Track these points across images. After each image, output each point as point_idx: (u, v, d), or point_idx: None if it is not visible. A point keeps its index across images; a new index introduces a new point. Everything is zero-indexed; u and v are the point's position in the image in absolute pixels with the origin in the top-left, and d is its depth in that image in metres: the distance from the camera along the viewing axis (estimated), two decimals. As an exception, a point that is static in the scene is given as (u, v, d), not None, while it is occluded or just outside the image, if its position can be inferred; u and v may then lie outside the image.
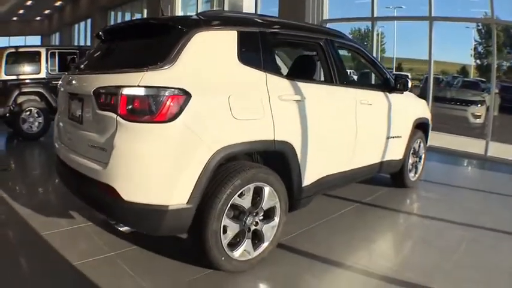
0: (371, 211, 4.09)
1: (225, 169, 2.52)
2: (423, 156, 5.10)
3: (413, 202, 4.70)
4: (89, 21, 22.81)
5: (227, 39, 2.69)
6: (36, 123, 7.18)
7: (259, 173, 2.63)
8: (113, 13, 19.98)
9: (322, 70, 3.56)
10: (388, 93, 4.14)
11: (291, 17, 8.25)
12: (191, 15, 2.86)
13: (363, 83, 7.93)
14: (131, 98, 2.32)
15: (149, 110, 2.30)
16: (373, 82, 8.62)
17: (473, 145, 7.55)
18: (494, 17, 7.26)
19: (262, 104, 2.69)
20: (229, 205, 2.50)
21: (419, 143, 4.94)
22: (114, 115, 2.35)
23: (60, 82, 3.35)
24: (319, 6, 9.22)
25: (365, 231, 3.55)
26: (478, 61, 25.93)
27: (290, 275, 2.72)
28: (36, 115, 7.15)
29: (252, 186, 2.60)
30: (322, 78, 3.79)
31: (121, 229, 2.55)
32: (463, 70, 25.26)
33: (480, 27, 24.91)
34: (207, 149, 2.39)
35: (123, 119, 2.32)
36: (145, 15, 16.46)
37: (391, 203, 4.35)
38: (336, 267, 2.86)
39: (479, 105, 10.80)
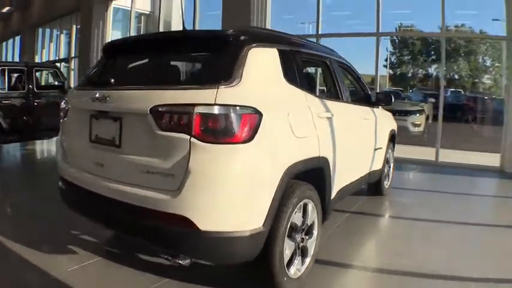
0: (363, 219, 4.37)
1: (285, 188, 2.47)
2: (392, 165, 5.52)
3: (395, 207, 5.07)
4: (17, 38, 21.75)
5: (272, 56, 2.68)
6: (-12, 147, 6.60)
7: (307, 189, 2.68)
8: (41, 30, 19.22)
9: (328, 87, 3.76)
10: (372, 108, 4.46)
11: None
12: (228, 30, 2.66)
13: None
14: (207, 117, 2.17)
15: (226, 130, 2.18)
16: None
17: (425, 152, 8.35)
18: (444, 31, 8.14)
19: (309, 121, 2.77)
20: (289, 224, 2.50)
21: (390, 152, 5.36)
22: (187, 136, 2.17)
23: (68, 99, 3.06)
24: (263, 25, 9.50)
25: (370, 236, 3.88)
26: (391, 71, 28.07)
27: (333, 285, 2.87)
28: (-14, 138, 6.58)
29: (302, 203, 2.64)
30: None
31: (182, 262, 2.32)
32: (373, 81, 27.05)
33: (394, 38, 26.99)
34: (280, 168, 2.38)
35: (199, 140, 2.16)
36: (74, 32, 15.82)
37: (377, 210, 4.72)
38: (364, 271, 3.09)
39: (418, 115, 11.70)
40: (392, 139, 5.35)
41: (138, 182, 2.34)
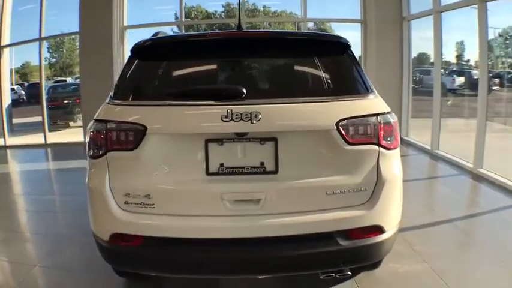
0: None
1: None
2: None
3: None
4: None
5: None
6: None
7: None
8: None
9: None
10: None
11: (96, 25, 7.98)
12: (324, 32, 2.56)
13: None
14: (387, 126, 2.18)
15: (395, 136, 2.23)
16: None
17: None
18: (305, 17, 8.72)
19: None
20: None
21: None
22: (376, 147, 2.16)
23: (136, 121, 2.10)
24: (120, 14, 8.97)
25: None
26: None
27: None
28: None
29: None
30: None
31: (349, 273, 2.31)
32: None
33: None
34: None
35: (384, 148, 2.18)
36: None
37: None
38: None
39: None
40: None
41: (318, 207, 2.14)
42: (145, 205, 2.16)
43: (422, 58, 9.67)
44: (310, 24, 9.44)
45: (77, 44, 9.72)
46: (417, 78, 9.71)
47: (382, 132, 2.16)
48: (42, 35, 8.63)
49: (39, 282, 2.93)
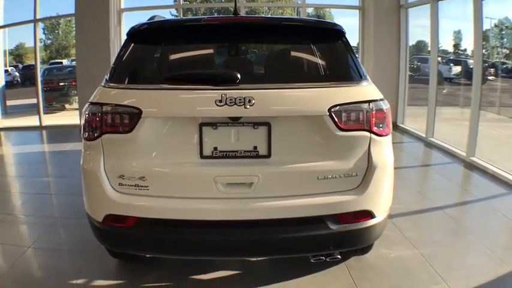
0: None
1: None
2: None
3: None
4: None
5: None
6: None
7: None
8: None
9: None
10: None
11: (92, 7, 7.88)
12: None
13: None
14: (379, 113, 2.20)
15: (385, 123, 2.24)
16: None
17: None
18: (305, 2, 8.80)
19: None
20: None
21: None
22: (367, 133, 2.18)
23: (132, 104, 2.12)
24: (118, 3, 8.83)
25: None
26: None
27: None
28: None
29: None
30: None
31: (339, 256, 2.38)
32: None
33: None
34: None
35: (375, 135, 2.20)
36: None
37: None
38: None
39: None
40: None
41: (310, 191, 2.18)
42: (140, 187, 2.18)
43: (420, 46, 9.65)
44: (310, 10, 9.35)
45: (73, 26, 9.61)
46: (414, 66, 9.70)
47: (374, 119, 2.19)
48: (37, 17, 8.55)
49: (32, 264, 2.96)
